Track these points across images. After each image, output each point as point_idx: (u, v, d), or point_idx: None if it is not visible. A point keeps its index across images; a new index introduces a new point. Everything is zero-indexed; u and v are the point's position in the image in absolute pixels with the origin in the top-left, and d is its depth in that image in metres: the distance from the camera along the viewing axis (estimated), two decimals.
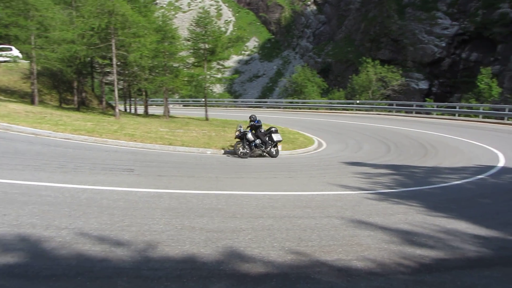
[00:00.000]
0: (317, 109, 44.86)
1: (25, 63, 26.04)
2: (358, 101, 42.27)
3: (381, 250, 4.98)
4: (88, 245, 4.56)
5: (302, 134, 22.07)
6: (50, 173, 8.01)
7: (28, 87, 25.70)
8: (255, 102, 54.50)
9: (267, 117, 34.34)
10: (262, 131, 14.74)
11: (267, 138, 14.52)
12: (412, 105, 37.95)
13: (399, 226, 6.12)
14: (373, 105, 40.67)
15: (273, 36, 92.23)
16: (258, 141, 14.36)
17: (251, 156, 14.14)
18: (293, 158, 15.06)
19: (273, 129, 14.99)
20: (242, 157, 13.79)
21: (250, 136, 14.20)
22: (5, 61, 24.12)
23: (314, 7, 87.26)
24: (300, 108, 45.98)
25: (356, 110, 41.27)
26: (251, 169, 11.41)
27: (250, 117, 15.02)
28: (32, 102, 22.14)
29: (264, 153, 14.52)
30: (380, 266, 4.48)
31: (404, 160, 14.48)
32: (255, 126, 14.64)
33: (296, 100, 48.68)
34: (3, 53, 24.36)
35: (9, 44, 25.03)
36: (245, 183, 9.16)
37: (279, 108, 49.00)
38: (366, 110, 40.48)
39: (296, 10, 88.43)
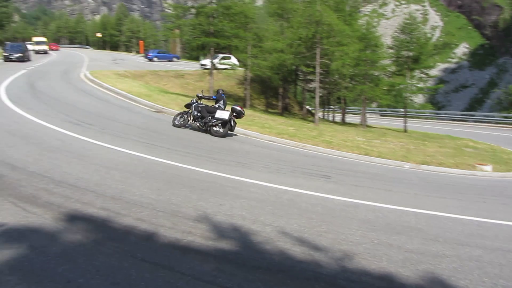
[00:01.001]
0: None
1: (240, 70, 29.35)
2: None
3: None
4: (289, 244, 4.86)
5: None
6: (257, 172, 8.82)
7: (242, 91, 28.89)
8: (461, 115, 49.53)
9: (474, 132, 30.93)
10: (217, 106, 13.35)
11: (211, 114, 13.07)
12: None
13: None
14: None
15: (487, 42, 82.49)
16: (196, 113, 13.19)
17: (186, 127, 13.41)
18: (506, 181, 13.17)
19: (237, 108, 13.16)
20: (174, 126, 13.23)
21: (193, 106, 13.30)
22: (225, 68, 27.61)
23: None
24: None
25: None
26: (454, 189, 10.42)
27: (217, 91, 13.95)
28: (243, 105, 24.78)
29: (203, 128, 13.16)
30: None
31: None
32: (216, 100, 13.55)
33: None
34: (225, 61, 27.90)
35: (230, 53, 28.51)
36: (448, 204, 8.41)
37: (490, 123, 43.43)
38: None
39: None
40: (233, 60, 30.16)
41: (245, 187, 7.28)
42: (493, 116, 45.19)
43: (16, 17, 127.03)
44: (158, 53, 48.75)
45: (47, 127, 10.29)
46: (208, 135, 12.80)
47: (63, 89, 18.61)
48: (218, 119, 12.84)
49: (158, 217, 5.17)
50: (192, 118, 13.31)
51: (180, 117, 13.49)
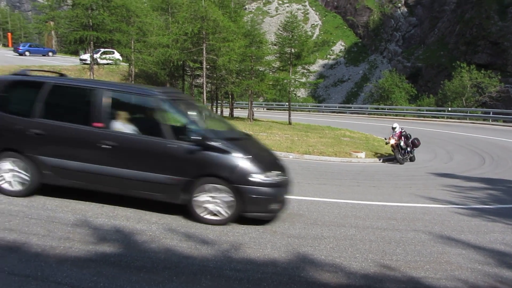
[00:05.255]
0: (404, 116, 42.93)
1: (124, 65, 28.17)
2: (450, 109, 39.78)
3: (474, 271, 4.65)
4: (175, 241, 4.82)
5: None
6: None
7: None
8: (339, 107, 53.53)
9: (351, 123, 33.64)
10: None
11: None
12: None
13: (495, 246, 5.67)
14: (466, 113, 37.93)
15: (360, 40, 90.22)
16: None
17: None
18: (377, 166, 14.60)
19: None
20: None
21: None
22: (108, 64, 26.27)
23: (405, 9, 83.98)
24: (386, 115, 44.33)
25: (448, 118, 38.83)
26: (333, 176, 11.26)
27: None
28: None
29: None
30: None
31: (501, 174, 13.37)
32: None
33: (382, 106, 47.07)
34: (107, 56, 26.54)
35: (112, 48, 27.20)
36: (327, 190, 9.06)
37: (364, 114, 47.74)
38: (458, 119, 37.92)
39: (385, 12, 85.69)
40: (116, 55, 28.81)
41: None
42: (366, 108, 49.64)
43: None
44: (30, 46, 44.63)
45: None
46: None
47: None
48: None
49: (31, 225, 4.75)
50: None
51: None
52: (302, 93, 69.78)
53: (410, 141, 15.35)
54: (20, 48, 43.12)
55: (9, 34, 68.35)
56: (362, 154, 15.43)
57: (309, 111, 52.14)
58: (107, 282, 3.63)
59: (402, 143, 14.94)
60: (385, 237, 5.72)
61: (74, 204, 5.67)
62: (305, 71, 30.59)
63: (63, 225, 4.87)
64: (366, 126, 30.28)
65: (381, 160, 15.44)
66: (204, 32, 21.52)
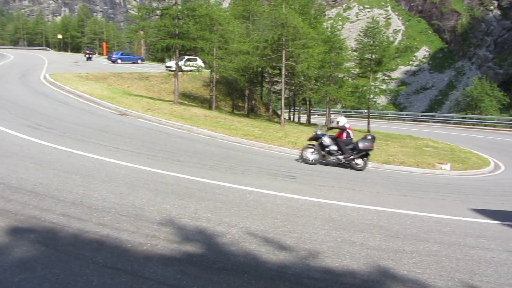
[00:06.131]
0: (494, 126, 39.86)
1: (206, 72, 29.22)
2: None
3: None
4: (254, 245, 4.87)
5: (475, 153, 19.91)
6: (223, 173, 8.80)
7: (207, 93, 28.77)
8: (422, 116, 51.08)
9: (434, 132, 31.98)
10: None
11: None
12: None
13: None
14: None
15: (446, 45, 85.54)
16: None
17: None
18: (463, 179, 13.69)
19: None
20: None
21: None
22: (191, 70, 27.42)
23: (497, 12, 78.14)
24: (473, 125, 41.44)
25: None
26: (415, 187, 10.75)
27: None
28: (209, 107, 24.67)
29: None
30: None
31: None
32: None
33: (469, 115, 44.10)
34: (190, 63, 27.72)
35: (195, 55, 28.36)
36: (409, 202, 8.66)
37: (449, 123, 45.02)
38: None
39: (475, 16, 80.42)
40: (199, 62, 30.01)
41: (210, 189, 7.25)
42: (452, 117, 46.81)
43: None
44: (122, 55, 47.90)
45: (3, 132, 9.91)
46: (163, 136, 12.66)
47: (21, 92, 17.97)
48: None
49: (121, 222, 5.07)
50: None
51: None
52: (382, 100, 67.70)
53: (350, 144, 12.47)
54: (113, 56, 46.33)
55: (104, 43, 74.00)
56: (447, 166, 14.58)
57: (389, 119, 50.31)
58: (190, 281, 3.77)
59: (325, 138, 12.46)
60: (474, 256, 5.33)
61: (159, 204, 5.96)
62: (386, 77, 29.70)
63: (149, 223, 5.14)
64: (452, 137, 28.61)
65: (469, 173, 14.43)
66: (283, 39, 21.72)
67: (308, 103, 34.64)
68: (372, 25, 28.05)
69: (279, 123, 23.23)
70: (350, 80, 29.41)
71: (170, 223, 5.24)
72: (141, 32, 29.69)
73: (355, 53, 29.43)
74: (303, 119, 36.42)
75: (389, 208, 7.63)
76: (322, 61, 25.22)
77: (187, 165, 9.12)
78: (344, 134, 12.68)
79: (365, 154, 12.46)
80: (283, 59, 22.10)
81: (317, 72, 25.15)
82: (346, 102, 30.08)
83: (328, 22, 48.71)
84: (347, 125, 12.67)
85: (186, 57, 31.78)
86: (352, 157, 12.34)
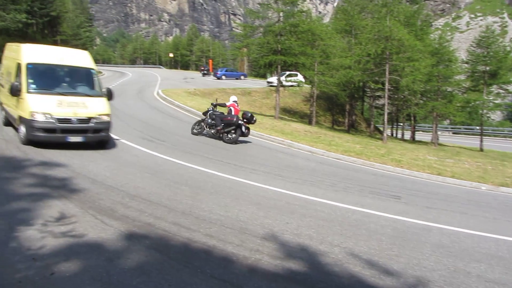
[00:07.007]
0: None
1: (307, 87, 29.36)
2: None
3: None
4: (358, 267, 4.72)
5: None
6: (324, 190, 8.70)
7: (307, 108, 28.87)
8: None
9: None
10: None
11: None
12: None
13: None
14: None
15: None
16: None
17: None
18: None
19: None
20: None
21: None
22: (291, 86, 27.78)
23: None
24: None
25: None
26: None
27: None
28: (309, 122, 24.70)
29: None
30: None
31: None
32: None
33: None
34: (291, 78, 28.11)
35: (296, 70, 28.69)
36: None
37: None
38: None
39: None
40: (300, 77, 30.30)
41: (311, 206, 7.20)
42: None
43: (98, 40, 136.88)
44: (226, 71, 50.11)
45: (124, 144, 10.90)
46: (279, 155, 12.86)
47: (138, 107, 19.67)
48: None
49: (226, 234, 5.25)
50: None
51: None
52: (497, 116, 61.97)
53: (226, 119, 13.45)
54: (218, 73, 48.72)
55: (210, 60, 78.22)
56: None
57: (505, 137, 45.84)
58: None
59: (209, 114, 13.85)
60: None
61: (262, 219, 6.07)
62: (502, 91, 27.25)
63: (253, 237, 5.25)
64: None
65: None
66: (387, 52, 21.05)
67: (412, 118, 33.01)
68: (487, 34, 26.09)
69: (381, 139, 22.43)
70: (460, 94, 27.47)
71: (273, 238, 5.31)
72: (245, 49, 30.89)
73: (466, 65, 27.59)
74: (407, 135, 34.66)
75: (509, 237, 6.90)
76: (429, 75, 23.94)
77: (289, 181, 9.18)
78: (229, 111, 13.94)
79: (238, 128, 13.36)
80: (387, 73, 21.39)
81: (423, 86, 23.94)
82: (456, 118, 28.22)
83: (436, 33, 46.07)
84: (228, 103, 14.05)
85: (287, 73, 32.27)
86: (222, 130, 13.42)
